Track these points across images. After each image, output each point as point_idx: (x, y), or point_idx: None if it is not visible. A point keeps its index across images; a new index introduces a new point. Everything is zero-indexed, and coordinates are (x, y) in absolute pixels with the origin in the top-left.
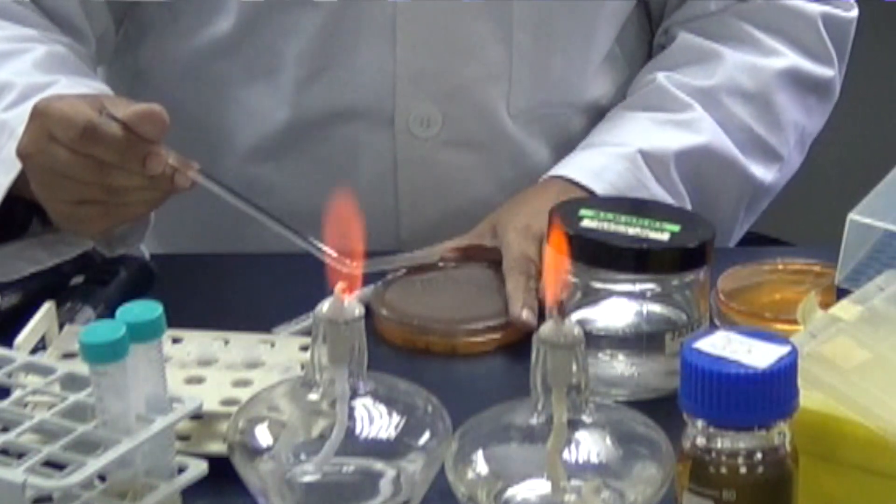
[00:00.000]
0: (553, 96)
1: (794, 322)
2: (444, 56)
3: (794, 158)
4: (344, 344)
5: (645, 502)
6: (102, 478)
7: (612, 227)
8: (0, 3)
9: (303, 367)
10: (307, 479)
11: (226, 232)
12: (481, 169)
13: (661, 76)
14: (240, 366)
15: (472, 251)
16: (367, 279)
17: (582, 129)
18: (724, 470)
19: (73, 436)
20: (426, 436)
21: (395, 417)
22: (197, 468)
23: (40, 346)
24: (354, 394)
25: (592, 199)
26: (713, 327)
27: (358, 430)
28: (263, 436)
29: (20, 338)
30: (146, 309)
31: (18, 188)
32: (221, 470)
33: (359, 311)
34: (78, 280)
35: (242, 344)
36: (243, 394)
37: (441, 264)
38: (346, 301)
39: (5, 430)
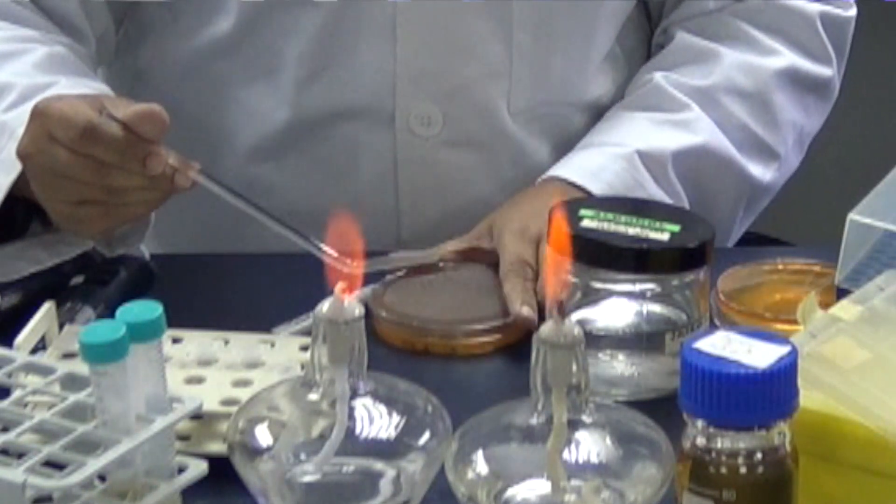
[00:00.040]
0: (553, 95)
1: (794, 322)
2: (444, 55)
3: (793, 158)
4: (344, 344)
5: (645, 502)
6: (102, 478)
7: (612, 228)
8: (0, 3)
9: (303, 367)
10: (307, 479)
11: (226, 232)
12: (482, 168)
13: (658, 76)
14: (240, 366)
15: (471, 254)
16: (367, 279)
17: (582, 127)
18: (724, 470)
19: (73, 436)
20: (426, 436)
21: (395, 417)
22: (197, 468)
23: (40, 346)
24: (354, 394)
25: (592, 200)
26: (713, 327)
27: (358, 430)
28: (263, 436)
29: (20, 338)
30: (146, 309)
31: (19, 188)
32: (221, 470)
33: (359, 311)
34: (78, 280)
35: (242, 344)
36: (243, 394)
37: (440, 265)
38: (346, 301)
39: (5, 430)
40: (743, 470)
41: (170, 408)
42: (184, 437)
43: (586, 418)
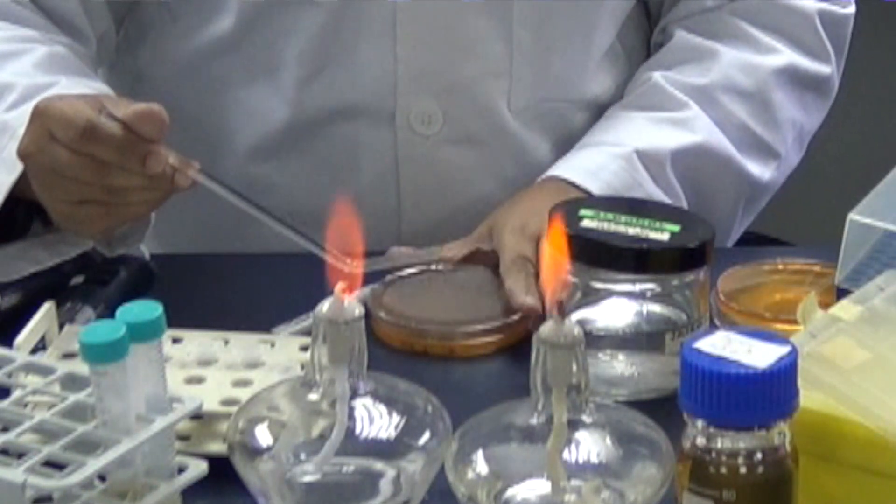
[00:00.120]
0: (554, 93)
1: (794, 322)
2: (444, 54)
3: (792, 156)
4: (344, 344)
5: (645, 502)
6: (102, 478)
7: (612, 227)
8: (0, 3)
9: (303, 367)
10: (307, 479)
11: (226, 232)
12: (483, 166)
13: (657, 75)
14: (240, 366)
15: (471, 256)
16: (367, 279)
17: (583, 125)
18: (724, 470)
19: (73, 436)
20: (426, 436)
21: (395, 417)
22: (197, 468)
23: (40, 346)
24: (354, 394)
25: (592, 200)
26: (713, 327)
27: (358, 430)
28: (263, 436)
29: (20, 338)
30: (146, 309)
31: (20, 189)
32: (221, 470)
33: (359, 311)
34: (78, 280)
35: (242, 344)
36: (243, 394)
37: (440, 266)
38: (346, 301)
39: (5, 430)
40: (743, 470)
41: (170, 408)
42: (184, 437)
43: (586, 418)
